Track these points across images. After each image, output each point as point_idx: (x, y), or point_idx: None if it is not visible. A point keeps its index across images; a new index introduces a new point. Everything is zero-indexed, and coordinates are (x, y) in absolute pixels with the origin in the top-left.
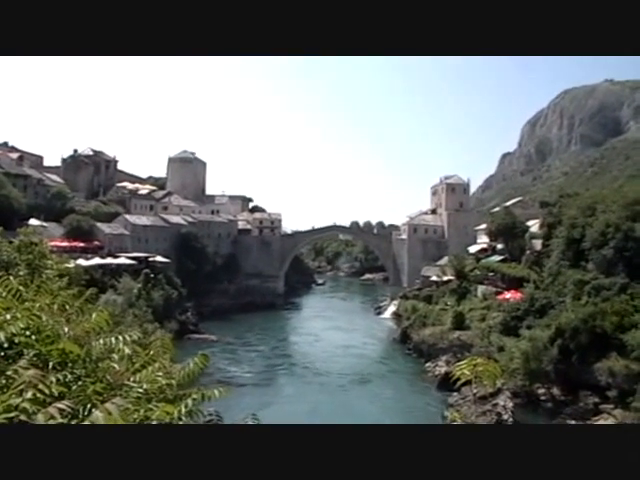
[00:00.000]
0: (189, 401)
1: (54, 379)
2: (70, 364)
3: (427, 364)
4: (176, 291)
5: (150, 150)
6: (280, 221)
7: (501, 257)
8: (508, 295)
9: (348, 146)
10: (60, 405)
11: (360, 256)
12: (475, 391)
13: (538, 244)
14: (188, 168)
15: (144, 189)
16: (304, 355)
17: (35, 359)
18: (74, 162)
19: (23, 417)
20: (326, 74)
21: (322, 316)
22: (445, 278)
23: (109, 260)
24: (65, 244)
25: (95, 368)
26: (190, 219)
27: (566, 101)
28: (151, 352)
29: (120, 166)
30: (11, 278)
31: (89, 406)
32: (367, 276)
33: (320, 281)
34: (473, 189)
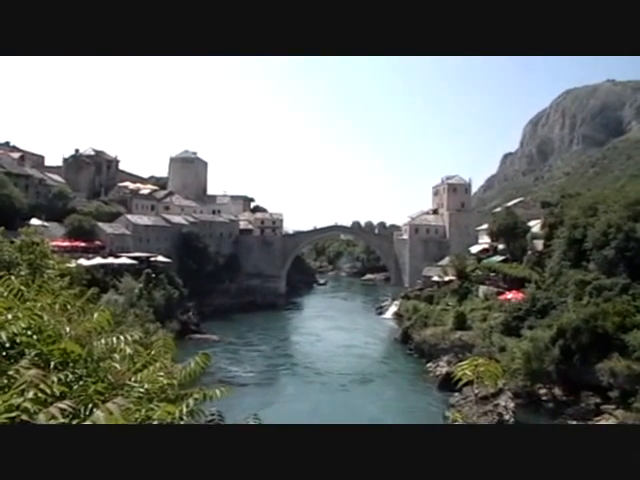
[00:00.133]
0: (190, 401)
1: (55, 379)
2: (71, 364)
3: (428, 364)
4: (177, 291)
5: (151, 150)
6: (281, 221)
7: (502, 257)
8: (509, 295)
9: (348, 146)
10: (61, 405)
11: (361, 256)
12: (476, 391)
13: (539, 244)
14: (189, 168)
15: (145, 189)
16: (305, 355)
17: (37, 359)
18: (75, 162)
19: (25, 417)
20: (326, 74)
21: (323, 316)
22: (446, 278)
23: (110, 260)
24: (66, 244)
25: (96, 368)
26: (191, 219)
27: (568, 101)
28: (152, 352)
29: (121, 166)
30: (12, 278)
31: (90, 406)
32: (368, 276)
33: (321, 281)
34: (475, 189)
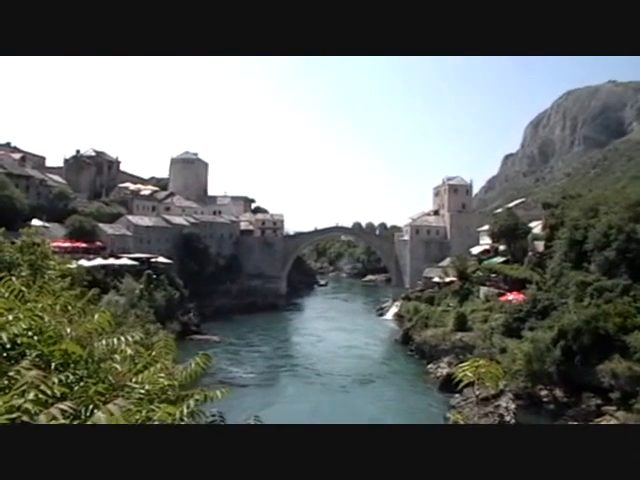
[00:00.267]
0: (191, 402)
1: (56, 380)
2: (72, 365)
3: (429, 365)
4: (178, 292)
5: (152, 151)
6: (282, 222)
7: (503, 258)
8: (510, 296)
9: (349, 146)
10: (62, 406)
11: (362, 257)
12: (477, 393)
13: (540, 245)
14: (190, 169)
15: (146, 190)
16: (306, 356)
17: (37, 360)
18: (76, 163)
19: (25, 418)
20: (326, 74)
21: (324, 317)
22: (447, 279)
23: (111, 261)
24: (67, 245)
25: (97, 369)
26: (192, 220)
27: (569, 102)
28: (153, 353)
29: (122, 167)
30: (13, 279)
31: (91, 407)
32: (369, 277)
33: (322, 282)
34: (475, 190)
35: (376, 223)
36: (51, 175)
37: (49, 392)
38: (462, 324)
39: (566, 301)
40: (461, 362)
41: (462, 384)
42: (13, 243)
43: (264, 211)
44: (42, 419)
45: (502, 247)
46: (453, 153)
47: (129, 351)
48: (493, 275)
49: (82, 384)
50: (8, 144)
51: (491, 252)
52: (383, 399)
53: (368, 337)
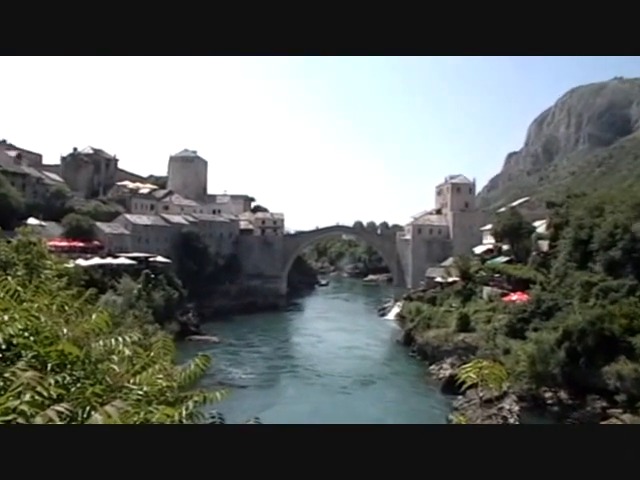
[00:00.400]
0: (190, 403)
1: (53, 381)
2: (69, 366)
3: (431, 367)
4: (177, 292)
5: (151, 149)
6: (282, 221)
7: (507, 258)
8: (514, 297)
9: (349, 146)
10: (59, 407)
11: (363, 257)
12: (480, 394)
13: (545, 245)
14: (189, 167)
15: (145, 188)
16: (306, 356)
17: (33, 361)
18: (74, 161)
19: (21, 420)
20: (326, 74)
21: (325, 317)
22: (450, 279)
23: (109, 260)
24: (64, 244)
25: (94, 370)
26: (191, 219)
27: (574, 99)
28: (152, 353)
29: (120, 165)
30: (9, 278)
31: (88, 409)
32: (370, 277)
33: (323, 282)
34: (478, 189)
35: (378, 222)
36: (48, 173)
37: (45, 393)
38: (465, 325)
39: (571, 302)
40: (464, 363)
41: (465, 386)
42: (9, 242)
43: (264, 210)
44: (38, 421)
45: (505, 247)
46: (454, 152)
47: (127, 352)
48: (496, 275)
49: (79, 385)
50: (4, 141)
51: (494, 252)
52: (384, 400)
53: (369, 338)
